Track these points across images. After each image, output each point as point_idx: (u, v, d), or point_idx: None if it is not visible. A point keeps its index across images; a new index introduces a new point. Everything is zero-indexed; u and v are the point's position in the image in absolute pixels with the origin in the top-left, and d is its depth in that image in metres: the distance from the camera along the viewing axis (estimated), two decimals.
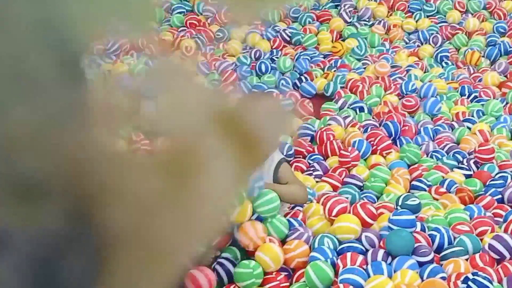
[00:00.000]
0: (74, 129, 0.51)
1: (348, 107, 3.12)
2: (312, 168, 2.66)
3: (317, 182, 2.58)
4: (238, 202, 1.85)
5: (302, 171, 2.66)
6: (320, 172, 2.63)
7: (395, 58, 3.62)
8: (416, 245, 2.08)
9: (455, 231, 2.19)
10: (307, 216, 2.26)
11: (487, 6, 3.99)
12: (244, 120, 0.68)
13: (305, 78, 3.33)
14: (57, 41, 0.51)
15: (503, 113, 3.09)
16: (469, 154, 2.77)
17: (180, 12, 3.82)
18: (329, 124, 2.94)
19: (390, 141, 2.80)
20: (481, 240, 2.15)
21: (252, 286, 1.98)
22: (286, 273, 2.07)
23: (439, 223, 2.22)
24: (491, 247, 2.09)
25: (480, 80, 3.39)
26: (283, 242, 2.09)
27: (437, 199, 2.46)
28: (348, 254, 2.06)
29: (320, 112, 3.10)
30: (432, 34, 3.80)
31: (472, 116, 3.08)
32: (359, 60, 3.58)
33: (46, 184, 0.50)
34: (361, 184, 2.56)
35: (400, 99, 3.21)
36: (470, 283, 1.90)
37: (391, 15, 3.99)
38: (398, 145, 2.87)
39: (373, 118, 3.06)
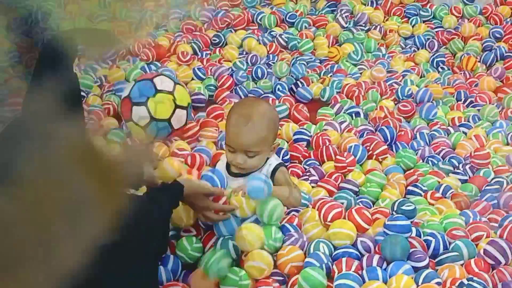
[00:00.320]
0: None
1: (344, 112, 3.12)
2: (308, 173, 2.65)
3: (313, 187, 2.57)
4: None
5: (298, 176, 2.65)
6: (316, 177, 2.62)
7: (391, 63, 3.62)
8: (411, 250, 2.08)
9: (451, 237, 2.18)
10: (302, 221, 2.26)
11: (483, 11, 4.00)
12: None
13: (301, 83, 3.33)
14: None
15: (499, 118, 3.08)
16: (465, 159, 2.77)
17: (176, 17, 3.81)
18: (325, 129, 2.94)
19: (386, 146, 2.79)
20: (477, 245, 2.15)
21: None
22: (281, 278, 2.07)
23: (435, 228, 2.22)
24: (486, 252, 2.09)
25: (476, 85, 3.38)
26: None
27: (432, 204, 2.45)
28: (343, 260, 2.06)
29: (316, 117, 3.10)
30: (428, 39, 3.81)
31: (468, 121, 3.08)
32: (355, 65, 3.59)
33: None
34: (357, 189, 2.55)
35: (396, 104, 3.21)
36: None
37: (387, 20, 3.99)
38: (394, 150, 2.86)
39: (369, 123, 3.05)
